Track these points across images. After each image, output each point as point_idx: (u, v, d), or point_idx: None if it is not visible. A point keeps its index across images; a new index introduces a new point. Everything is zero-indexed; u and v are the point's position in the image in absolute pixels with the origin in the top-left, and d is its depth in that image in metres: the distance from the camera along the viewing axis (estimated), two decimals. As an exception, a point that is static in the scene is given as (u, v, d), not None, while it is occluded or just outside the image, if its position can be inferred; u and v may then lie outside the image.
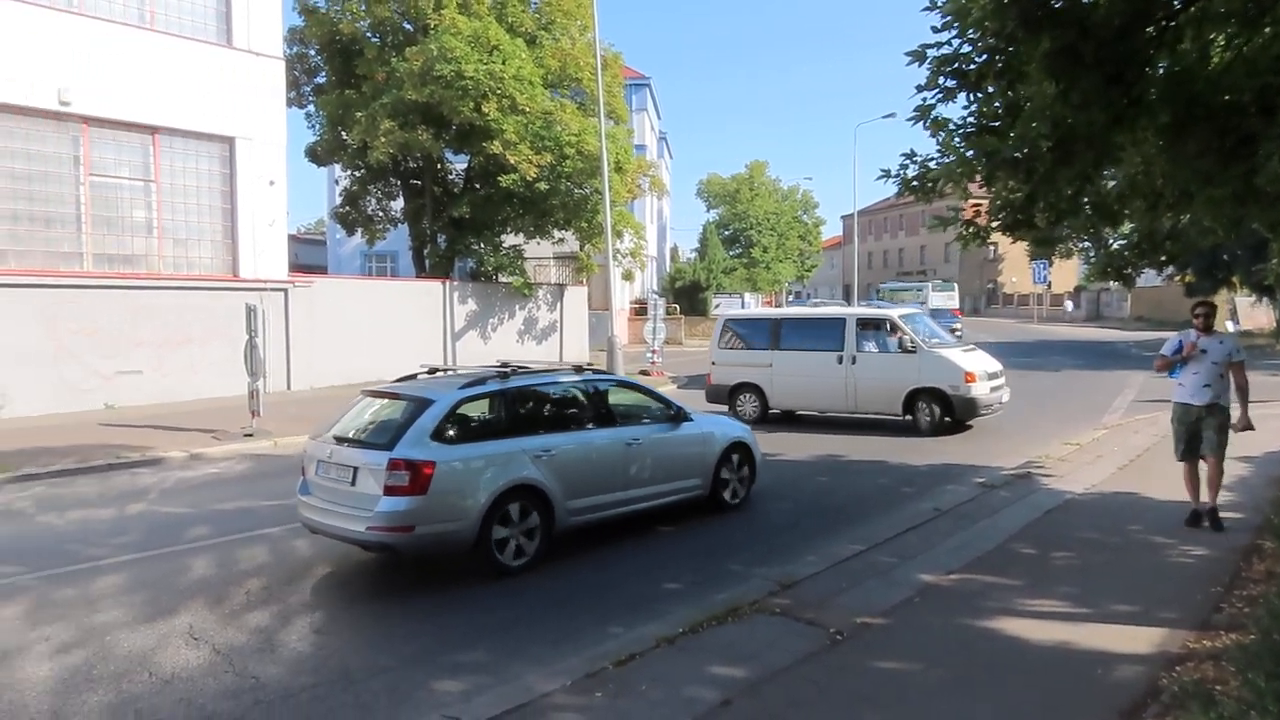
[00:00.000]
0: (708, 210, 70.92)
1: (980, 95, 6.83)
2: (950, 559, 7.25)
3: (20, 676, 5.29)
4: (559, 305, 27.98)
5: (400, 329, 22.61)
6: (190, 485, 10.88)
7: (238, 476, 11.52)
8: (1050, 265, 54.50)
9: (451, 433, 7.08)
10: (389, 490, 6.61)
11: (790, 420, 15.54)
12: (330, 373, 20.35)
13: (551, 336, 27.61)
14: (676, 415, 8.87)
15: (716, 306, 39.17)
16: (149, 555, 7.82)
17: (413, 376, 8.30)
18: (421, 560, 7.35)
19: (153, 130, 17.71)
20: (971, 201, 7.61)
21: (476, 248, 25.79)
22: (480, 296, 25.47)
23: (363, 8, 24.01)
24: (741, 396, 15.56)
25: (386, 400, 7.64)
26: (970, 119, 7.01)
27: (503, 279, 25.93)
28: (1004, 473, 10.68)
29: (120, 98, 16.97)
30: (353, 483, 6.90)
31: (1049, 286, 60.14)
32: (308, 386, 19.93)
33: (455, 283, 25.20)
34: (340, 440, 7.31)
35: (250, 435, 13.54)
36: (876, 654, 5.35)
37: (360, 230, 27.54)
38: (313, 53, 25.85)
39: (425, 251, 26.51)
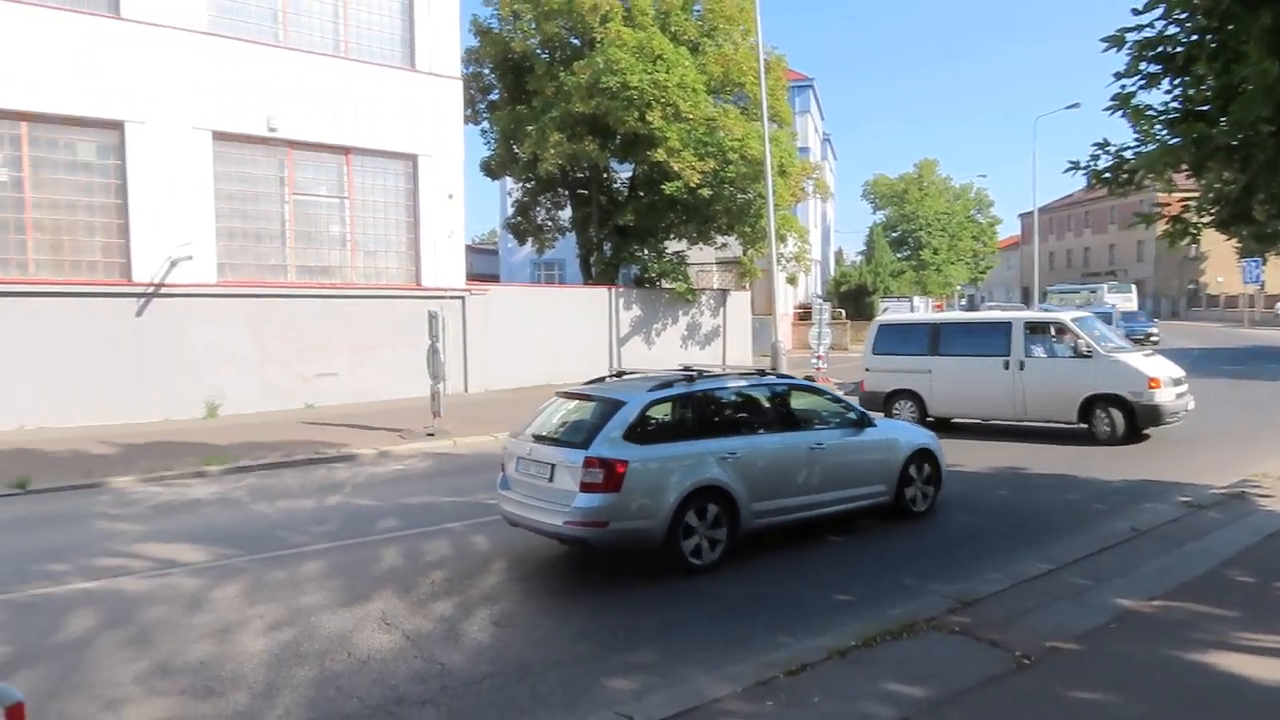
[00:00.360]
0: (874, 212, 69.16)
1: (1187, 79, 6.29)
2: (1153, 584, 6.67)
3: (240, 649, 5.84)
4: (721, 310, 28.00)
5: (567, 334, 23.34)
6: (379, 480, 11.66)
7: (421, 473, 12.24)
8: (1264, 263, 49.24)
9: (642, 433, 7.29)
10: (585, 487, 6.89)
11: (949, 428, 14.78)
12: (503, 375, 21.29)
13: (714, 341, 27.67)
14: (860, 420, 8.76)
15: (884, 310, 37.92)
16: (345, 544, 8.44)
17: (601, 379, 8.65)
18: (596, 559, 7.56)
19: (346, 151, 19.16)
20: (1178, 195, 6.99)
21: (640, 254, 26.28)
22: (644, 302, 25.88)
23: (533, 26, 25.00)
24: (897, 404, 15.06)
25: (579, 401, 7.96)
26: (1174, 104, 6.46)
27: (666, 285, 26.24)
28: (1213, 491, 9.72)
29: (318, 122, 18.50)
30: (550, 479, 7.24)
31: (1262, 287, 54.32)
32: (482, 389, 20.93)
33: (620, 289, 25.74)
34: (539, 438, 7.67)
35: (432, 435, 14.36)
36: (1069, 682, 5.00)
37: (530, 239, 28.70)
38: (487, 71, 27.14)
39: (591, 259, 27.25)
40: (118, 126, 16.39)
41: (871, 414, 9.12)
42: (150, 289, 16.56)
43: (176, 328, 16.81)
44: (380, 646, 5.87)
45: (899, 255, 61.50)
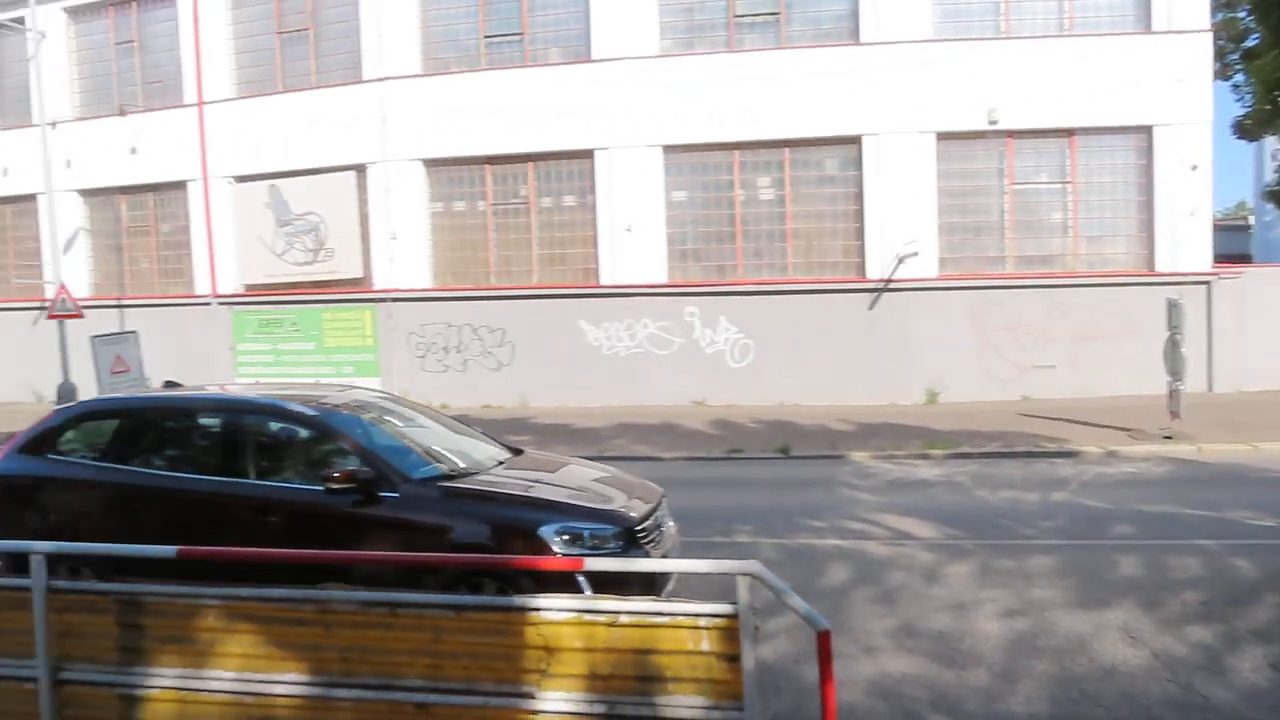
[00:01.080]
0: None
1: None
2: None
3: (975, 628, 6.03)
4: None
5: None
6: (1107, 482, 10.80)
7: (1157, 479, 10.96)
8: None
9: None
10: None
11: None
12: (1261, 374, 17.77)
13: None
14: None
15: None
16: (1074, 544, 8.05)
17: None
18: None
19: (1069, 133, 18.18)
20: None
21: None
22: None
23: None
24: None
25: None
26: None
27: None
28: None
29: (1039, 107, 17.90)
30: None
31: None
32: (1233, 389, 17.79)
33: None
34: None
35: (1169, 438, 12.74)
36: None
37: (1301, 209, 23.40)
38: (1242, 15, 22.88)
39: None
40: (855, 141, 18.37)
41: None
42: (880, 285, 18.21)
43: (901, 319, 18.16)
44: (1124, 659, 5.45)
45: None
